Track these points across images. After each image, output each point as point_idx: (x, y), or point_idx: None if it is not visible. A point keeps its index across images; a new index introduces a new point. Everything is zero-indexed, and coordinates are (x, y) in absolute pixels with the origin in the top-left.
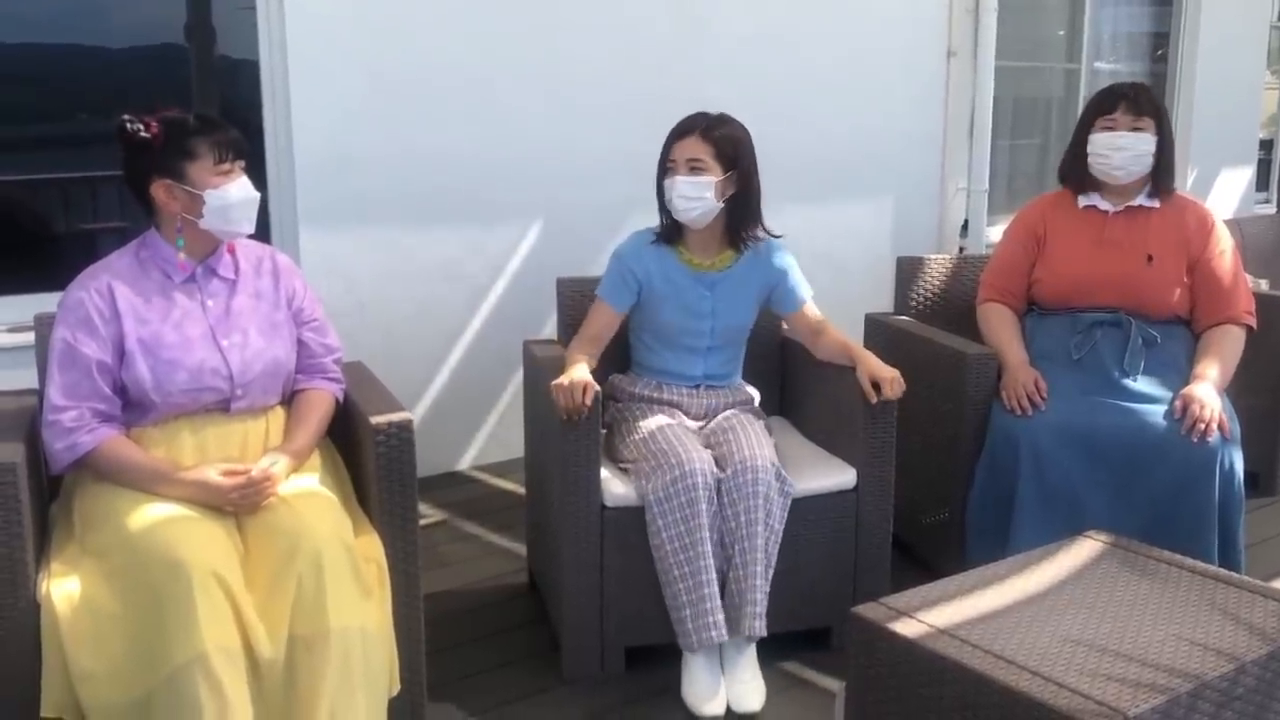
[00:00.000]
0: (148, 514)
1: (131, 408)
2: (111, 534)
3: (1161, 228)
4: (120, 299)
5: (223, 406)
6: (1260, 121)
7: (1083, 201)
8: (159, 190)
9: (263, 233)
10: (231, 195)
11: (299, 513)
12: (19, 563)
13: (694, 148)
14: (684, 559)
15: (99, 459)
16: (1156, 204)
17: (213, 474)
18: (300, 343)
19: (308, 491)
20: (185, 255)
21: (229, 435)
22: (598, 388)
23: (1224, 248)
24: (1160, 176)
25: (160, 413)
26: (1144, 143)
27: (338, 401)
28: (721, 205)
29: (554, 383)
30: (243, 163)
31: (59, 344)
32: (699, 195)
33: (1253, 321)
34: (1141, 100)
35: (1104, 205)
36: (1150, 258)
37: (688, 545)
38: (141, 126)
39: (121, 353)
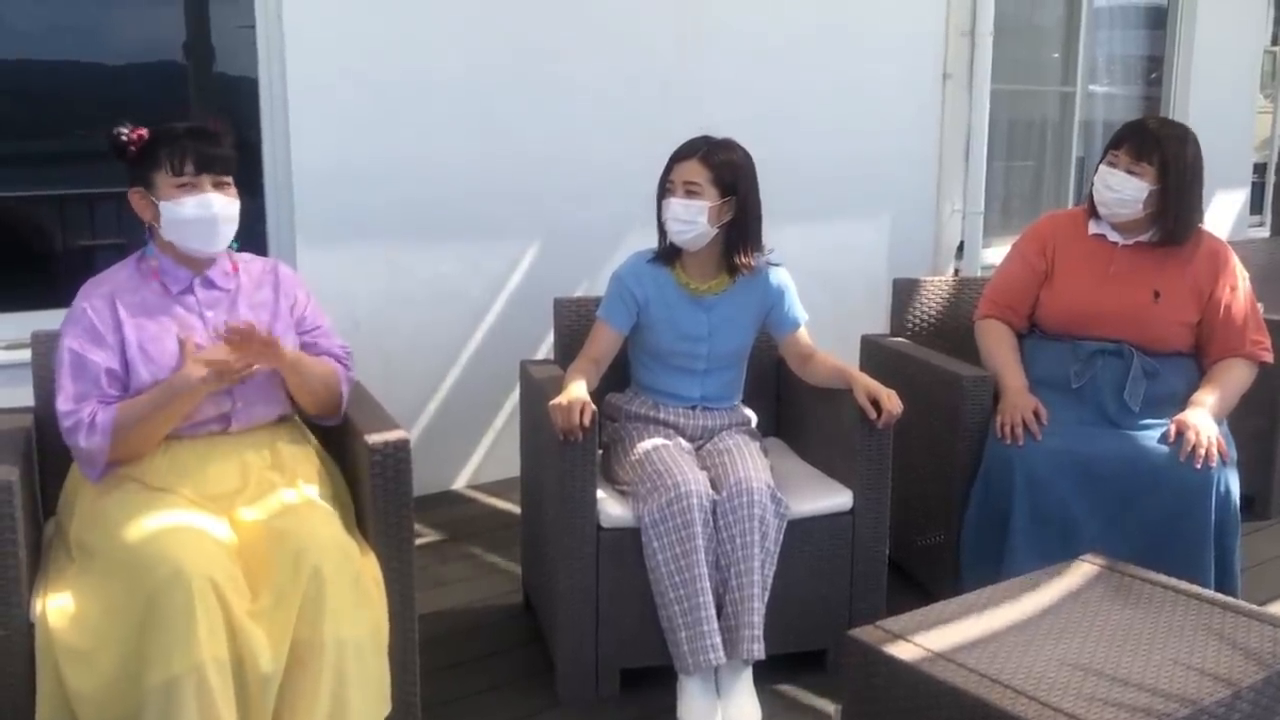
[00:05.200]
0: (146, 523)
1: None
2: (106, 541)
3: (1172, 265)
4: (121, 308)
5: (223, 422)
6: (1254, 145)
7: (1093, 229)
8: (134, 196)
9: (260, 250)
10: (185, 210)
11: (302, 521)
12: (12, 583)
13: (692, 171)
14: (679, 581)
15: (121, 424)
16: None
17: (199, 365)
18: (307, 345)
19: (309, 502)
20: (158, 264)
21: (231, 456)
22: (595, 408)
23: (1236, 283)
24: (1165, 224)
25: None
26: (1133, 187)
27: (342, 395)
28: (716, 230)
29: (552, 403)
30: (214, 178)
31: (67, 354)
32: (692, 219)
33: (1267, 356)
34: (1147, 144)
35: (1113, 237)
36: (1157, 294)
37: (683, 567)
38: (126, 132)
39: (126, 361)
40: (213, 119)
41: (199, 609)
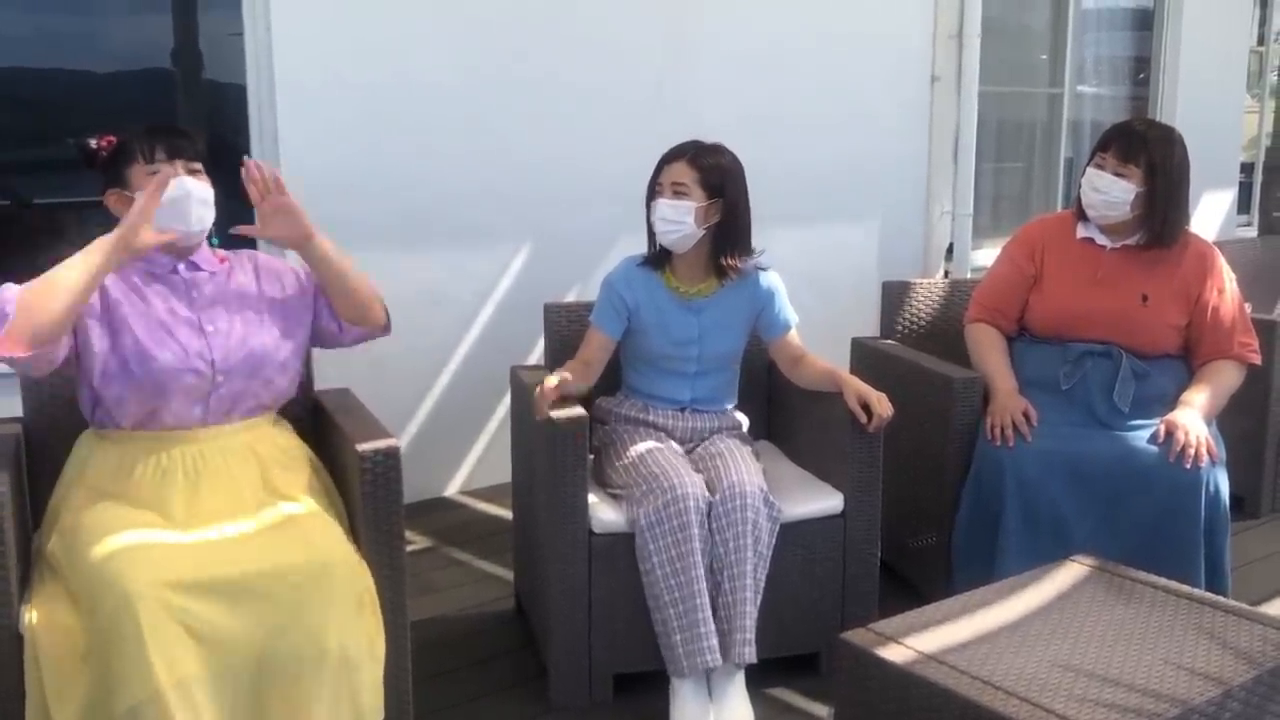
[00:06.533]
0: (105, 546)
1: (115, 400)
2: (73, 563)
3: (1160, 269)
4: (111, 287)
5: (203, 397)
6: (1241, 145)
7: (1081, 232)
8: (110, 199)
9: None
10: (161, 194)
11: (308, 532)
12: (3, 593)
13: (680, 172)
14: (675, 584)
15: (29, 296)
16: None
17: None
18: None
19: (314, 513)
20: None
21: (220, 472)
22: (568, 378)
23: (1223, 285)
24: (1153, 226)
25: (144, 398)
26: (1120, 190)
27: (381, 300)
28: (703, 232)
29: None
30: (186, 164)
31: None
32: (679, 219)
33: (1255, 357)
34: (1134, 146)
35: (1101, 240)
36: (1145, 298)
37: (679, 570)
38: (95, 140)
39: (112, 332)
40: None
41: (148, 636)
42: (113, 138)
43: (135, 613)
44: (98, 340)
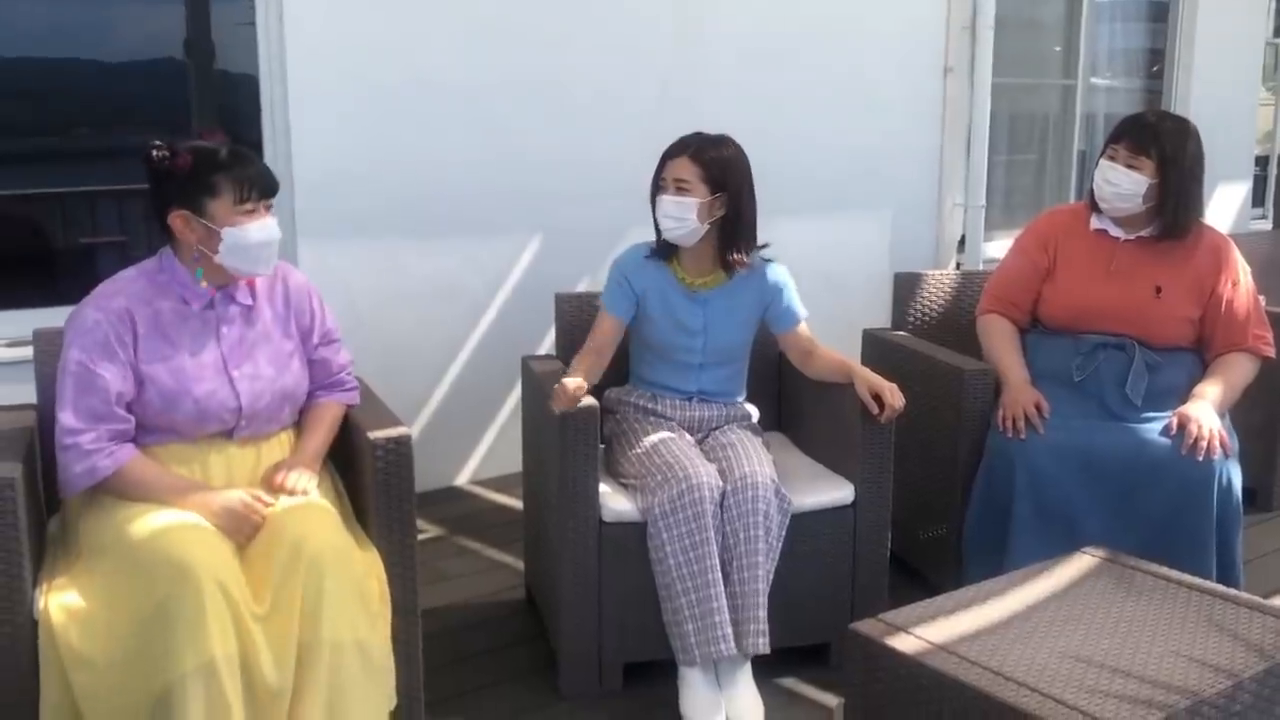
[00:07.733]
0: (152, 521)
1: (136, 428)
2: (114, 541)
3: (1174, 260)
4: (139, 323)
5: (226, 433)
6: (1255, 137)
7: (1095, 224)
8: (177, 220)
9: None
10: (251, 235)
11: (299, 522)
12: (16, 579)
13: (682, 168)
14: (689, 573)
15: (117, 480)
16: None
17: (233, 499)
18: (317, 361)
19: (306, 503)
20: (205, 284)
21: (233, 460)
22: (589, 398)
23: (1238, 277)
24: (1164, 217)
25: (163, 435)
26: (1133, 182)
27: (350, 405)
28: (707, 226)
29: (556, 385)
30: (269, 201)
31: (74, 365)
32: (681, 216)
33: (1269, 350)
34: (1146, 138)
35: (1115, 231)
36: (1159, 289)
37: (694, 559)
38: (168, 155)
39: (136, 378)
40: (207, 131)
41: (209, 607)
42: (183, 152)
43: (198, 585)
44: (125, 385)
